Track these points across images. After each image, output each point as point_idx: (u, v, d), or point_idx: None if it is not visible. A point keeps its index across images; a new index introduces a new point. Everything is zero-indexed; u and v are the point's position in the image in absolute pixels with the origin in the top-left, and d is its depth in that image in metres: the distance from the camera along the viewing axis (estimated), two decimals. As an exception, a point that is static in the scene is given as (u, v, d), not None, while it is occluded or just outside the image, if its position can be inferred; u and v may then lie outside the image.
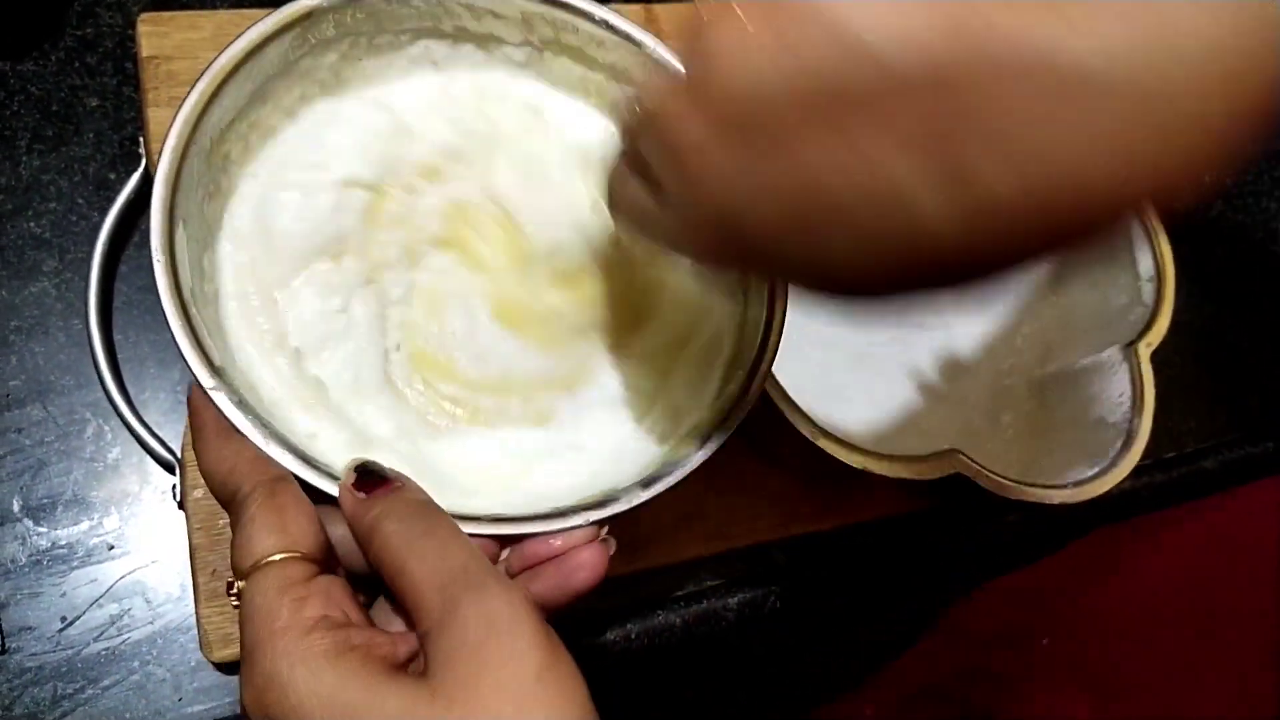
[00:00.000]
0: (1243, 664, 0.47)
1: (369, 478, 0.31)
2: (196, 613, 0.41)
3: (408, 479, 0.32)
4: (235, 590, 0.29)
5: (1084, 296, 0.54)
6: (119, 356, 0.45)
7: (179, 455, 0.43)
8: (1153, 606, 0.48)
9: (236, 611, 0.29)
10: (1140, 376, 0.48)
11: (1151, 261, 0.50)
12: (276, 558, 0.28)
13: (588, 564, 0.32)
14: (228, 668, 0.42)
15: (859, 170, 0.20)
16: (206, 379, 0.31)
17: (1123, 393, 0.48)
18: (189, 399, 0.32)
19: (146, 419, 0.44)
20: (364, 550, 0.30)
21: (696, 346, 0.44)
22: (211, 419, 0.32)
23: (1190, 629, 0.47)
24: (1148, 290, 0.50)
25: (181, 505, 0.43)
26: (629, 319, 0.45)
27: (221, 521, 0.42)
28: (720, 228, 0.24)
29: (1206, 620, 0.47)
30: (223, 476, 0.31)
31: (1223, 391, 0.64)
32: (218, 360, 0.32)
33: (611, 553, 0.33)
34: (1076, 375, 0.52)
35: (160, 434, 0.44)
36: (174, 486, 0.43)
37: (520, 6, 0.41)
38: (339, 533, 0.32)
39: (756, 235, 0.23)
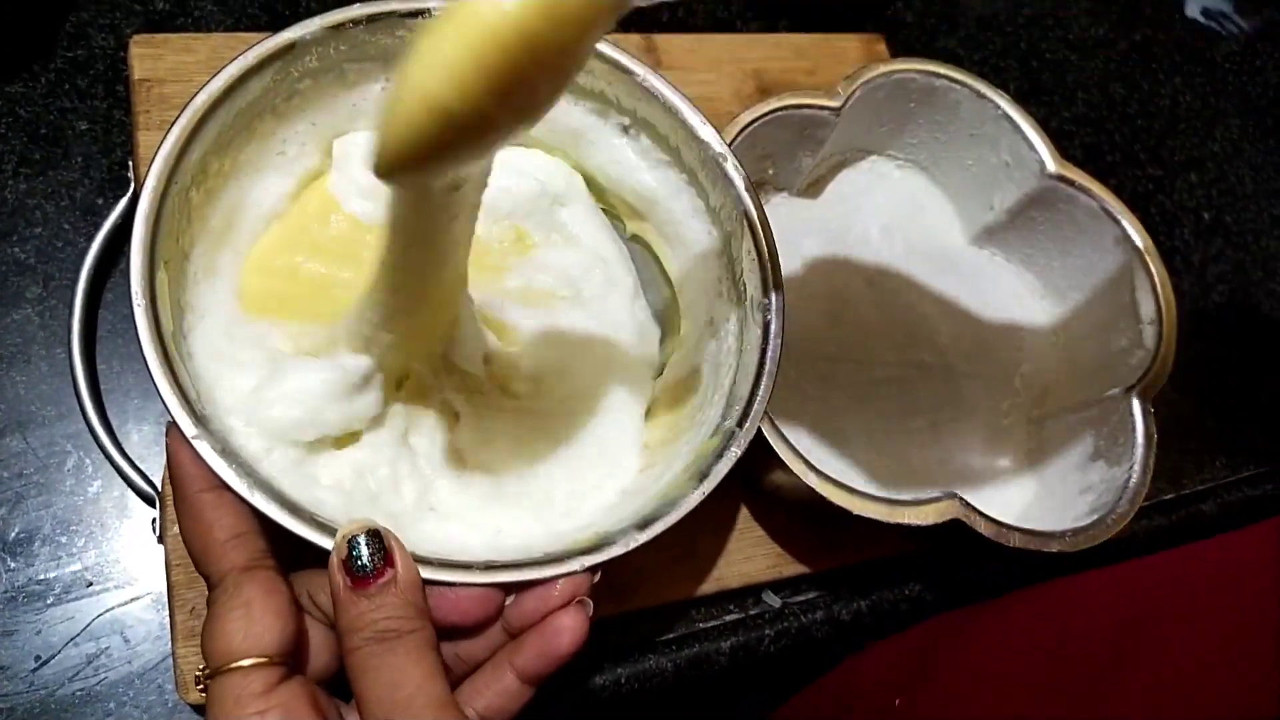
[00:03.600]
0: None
1: (361, 559, 0.30)
2: (173, 652, 0.40)
3: (401, 559, 0.30)
4: (203, 686, 0.28)
5: (1085, 337, 0.54)
6: (101, 387, 0.44)
7: (159, 489, 0.42)
8: (1001, 675, 0.47)
9: None
10: (1141, 421, 0.47)
11: (1153, 304, 0.49)
12: (242, 664, 0.28)
13: (568, 628, 0.32)
14: (205, 710, 0.41)
15: None
16: (189, 427, 0.30)
17: (1123, 438, 0.48)
18: (168, 448, 0.32)
19: (128, 451, 0.43)
20: (338, 642, 0.30)
21: (693, 385, 0.43)
22: (190, 478, 0.31)
23: (1038, 697, 0.46)
24: (1149, 333, 0.49)
25: (161, 539, 0.42)
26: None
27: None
28: None
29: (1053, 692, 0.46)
30: (196, 556, 0.31)
31: (1223, 432, 0.63)
32: (201, 408, 0.31)
33: (590, 614, 0.32)
34: (1076, 418, 0.51)
35: (142, 467, 0.43)
36: (153, 520, 0.42)
37: None
38: (328, 599, 0.31)
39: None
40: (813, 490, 0.42)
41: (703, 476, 0.36)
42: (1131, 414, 0.48)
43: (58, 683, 0.40)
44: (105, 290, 0.46)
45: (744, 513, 0.49)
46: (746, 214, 0.40)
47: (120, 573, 0.43)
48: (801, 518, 0.49)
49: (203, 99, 0.36)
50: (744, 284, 0.41)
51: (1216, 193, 0.72)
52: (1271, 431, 0.64)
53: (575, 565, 0.33)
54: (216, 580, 0.30)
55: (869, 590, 0.52)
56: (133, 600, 0.42)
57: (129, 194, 0.47)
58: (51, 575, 0.42)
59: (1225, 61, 0.78)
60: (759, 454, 0.41)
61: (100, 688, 0.40)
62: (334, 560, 0.30)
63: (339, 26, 0.38)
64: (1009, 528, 0.44)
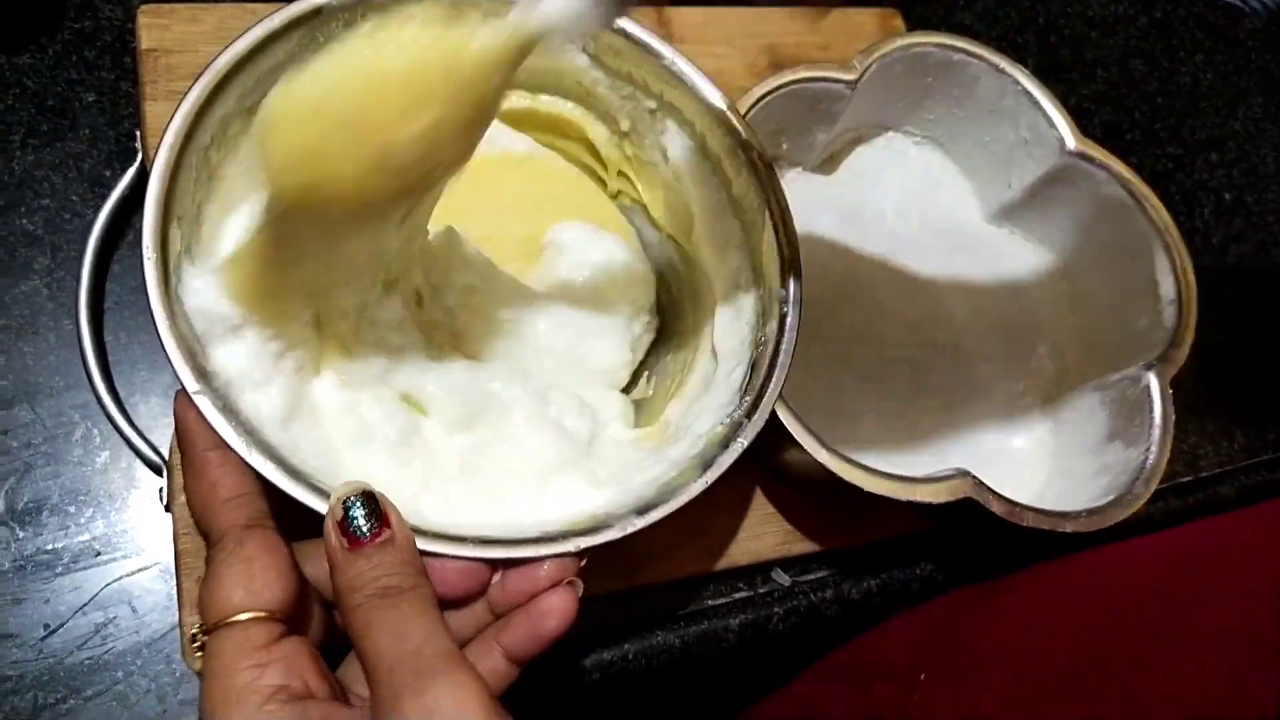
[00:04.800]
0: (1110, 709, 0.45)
1: (356, 521, 0.29)
2: (181, 621, 0.40)
3: (396, 521, 0.30)
4: (200, 643, 0.28)
5: (1103, 317, 0.53)
6: (110, 358, 0.44)
7: (166, 458, 0.42)
8: (1028, 648, 0.46)
9: None
10: (1159, 402, 0.46)
11: (1173, 284, 0.48)
12: (241, 618, 0.27)
13: (556, 609, 0.31)
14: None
15: None
16: (191, 383, 0.30)
17: (1140, 418, 0.47)
18: (175, 409, 0.31)
19: (136, 421, 0.43)
20: (336, 605, 0.29)
21: (707, 373, 0.43)
22: (196, 437, 0.30)
23: (1061, 673, 0.45)
24: (1169, 313, 0.48)
25: (168, 508, 0.41)
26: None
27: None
28: None
29: (1082, 667, 0.45)
30: (198, 513, 0.30)
31: (1240, 415, 0.62)
32: (204, 364, 0.31)
33: (580, 594, 0.32)
34: (1093, 398, 0.51)
35: (150, 437, 0.43)
36: (160, 489, 0.42)
37: None
38: (316, 569, 0.31)
39: None
40: (825, 467, 0.41)
41: (707, 466, 0.36)
42: (1149, 395, 0.47)
43: (66, 651, 0.40)
44: (113, 262, 0.46)
45: (756, 490, 0.49)
46: (769, 204, 0.40)
47: (128, 542, 0.42)
48: (812, 495, 0.49)
49: (228, 57, 0.35)
50: (763, 274, 0.40)
51: (1238, 172, 0.71)
52: (1291, 414, 0.63)
53: (569, 546, 0.33)
54: (217, 538, 0.29)
55: (879, 569, 0.51)
56: (140, 570, 0.42)
57: (136, 165, 0.46)
58: (60, 545, 0.42)
59: (1248, 39, 0.76)
60: (771, 432, 0.40)
61: (108, 657, 0.41)
62: (329, 523, 0.29)
63: None
64: (1022, 507, 0.43)
